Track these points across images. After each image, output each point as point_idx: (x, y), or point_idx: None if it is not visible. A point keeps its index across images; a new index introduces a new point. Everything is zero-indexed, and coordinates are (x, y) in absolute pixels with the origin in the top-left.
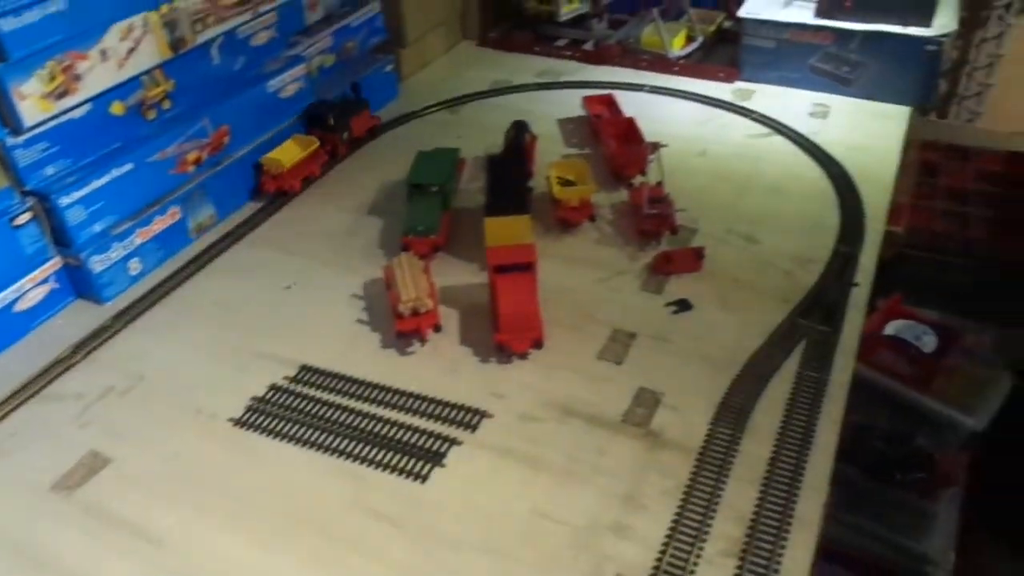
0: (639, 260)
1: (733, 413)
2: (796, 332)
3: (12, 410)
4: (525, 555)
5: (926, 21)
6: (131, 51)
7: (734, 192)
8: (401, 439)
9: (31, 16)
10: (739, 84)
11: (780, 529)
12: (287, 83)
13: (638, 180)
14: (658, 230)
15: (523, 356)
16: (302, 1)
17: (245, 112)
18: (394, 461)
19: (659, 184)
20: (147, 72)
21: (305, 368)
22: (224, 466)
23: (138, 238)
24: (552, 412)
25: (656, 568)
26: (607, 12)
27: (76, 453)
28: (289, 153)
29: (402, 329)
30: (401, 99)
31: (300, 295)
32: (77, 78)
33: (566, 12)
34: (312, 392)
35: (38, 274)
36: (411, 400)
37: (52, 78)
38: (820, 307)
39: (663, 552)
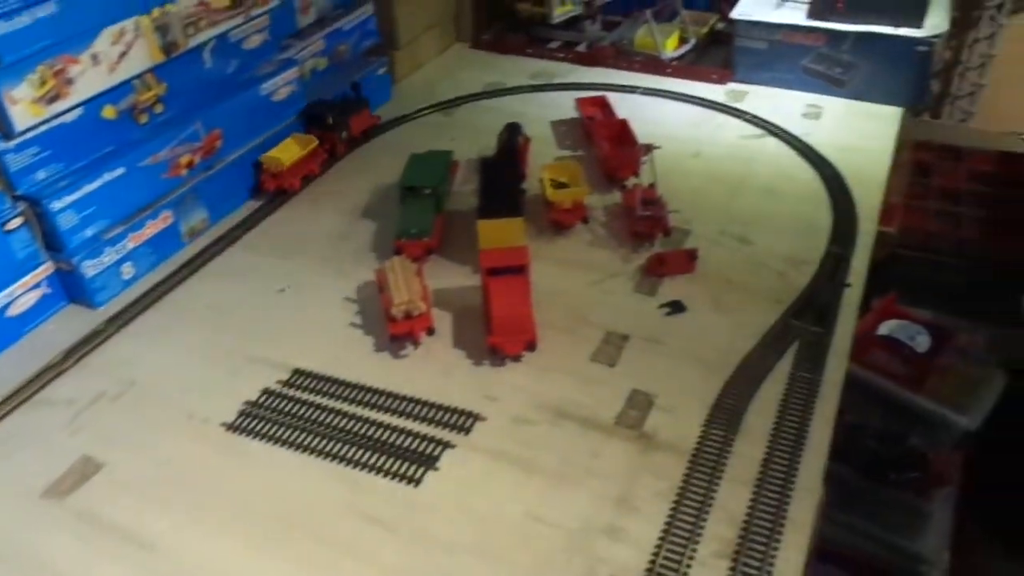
0: (632, 262)
1: (726, 414)
2: (789, 333)
3: (3, 416)
4: (518, 558)
5: (918, 22)
6: (123, 55)
7: (727, 193)
8: (394, 442)
9: (22, 20)
10: (732, 85)
11: (773, 530)
12: (280, 86)
13: (631, 182)
14: (651, 232)
15: (516, 358)
16: (294, 4)
17: (237, 116)
18: (387, 464)
19: (652, 186)
20: (139, 76)
21: (298, 372)
22: (217, 471)
23: (130, 242)
24: (545, 414)
25: (649, 570)
26: (600, 14)
27: (68, 459)
28: (289, 152)
29: (395, 332)
30: (394, 101)
31: (293, 299)
32: (69, 82)
33: (559, 14)
34: (305, 396)
35: (29, 279)
36: (404, 403)
37: (43, 82)
38: (813, 308)
39: (656, 554)
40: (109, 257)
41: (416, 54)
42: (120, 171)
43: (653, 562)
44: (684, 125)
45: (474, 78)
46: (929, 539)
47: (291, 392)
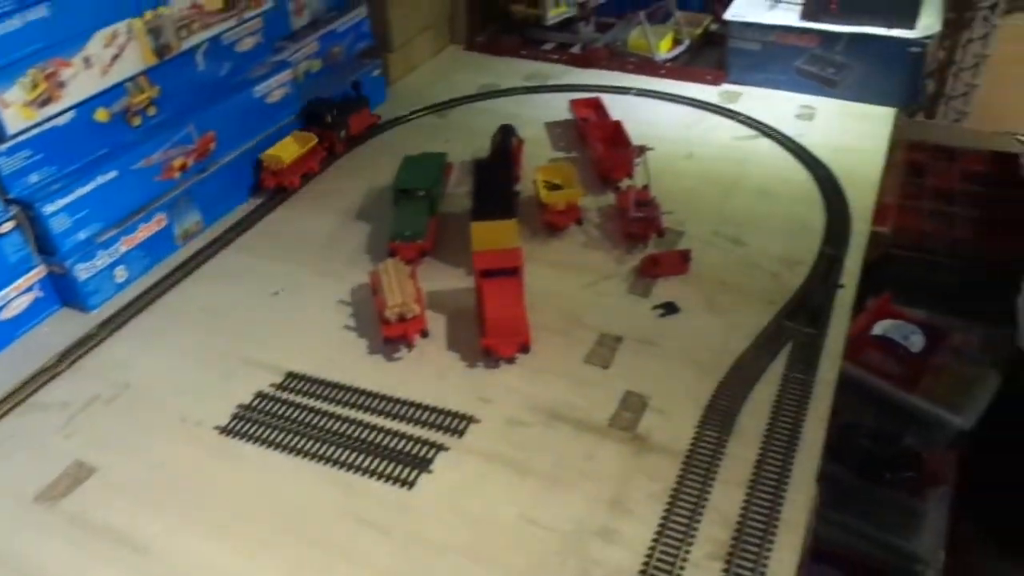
0: (626, 263)
1: (719, 416)
2: (782, 334)
3: None
4: (512, 560)
5: (910, 23)
6: (115, 58)
7: (721, 194)
8: (388, 445)
9: (13, 24)
10: (726, 86)
11: (766, 531)
12: (273, 88)
13: (625, 183)
14: (645, 233)
15: (510, 360)
16: (288, 7)
17: (231, 118)
18: (381, 467)
19: (645, 187)
20: (132, 79)
21: (292, 375)
22: (210, 474)
23: (123, 245)
24: (539, 417)
25: (643, 572)
26: (594, 16)
27: (61, 463)
28: (288, 150)
29: (389, 335)
30: (388, 103)
31: (287, 301)
32: (61, 85)
33: (553, 16)
34: (299, 399)
35: (22, 282)
36: (398, 406)
37: (35, 85)
38: (806, 309)
39: (649, 556)
40: (102, 260)
41: (410, 56)
42: (113, 174)
43: (647, 564)
44: (678, 126)
45: (468, 80)
46: (924, 538)
47: (285, 395)
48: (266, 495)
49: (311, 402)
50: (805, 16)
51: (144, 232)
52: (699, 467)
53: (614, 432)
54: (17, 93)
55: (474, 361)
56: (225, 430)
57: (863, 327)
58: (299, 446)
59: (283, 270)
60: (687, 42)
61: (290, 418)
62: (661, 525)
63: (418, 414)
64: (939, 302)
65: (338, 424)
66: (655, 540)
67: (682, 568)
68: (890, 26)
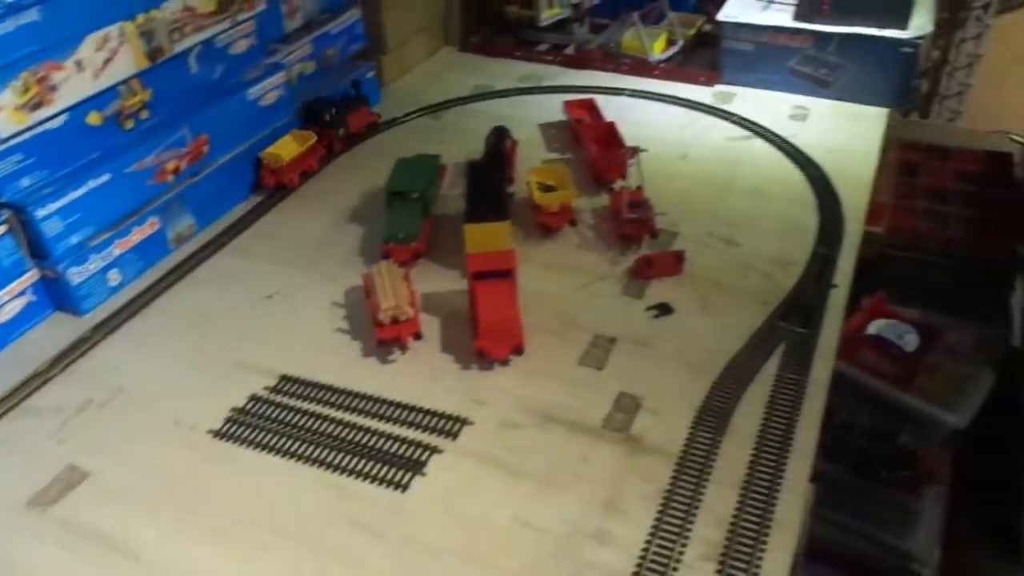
0: (620, 264)
1: (713, 416)
2: (775, 334)
3: None
4: (506, 563)
5: (902, 23)
6: (107, 61)
7: (714, 195)
8: (382, 448)
9: (4, 28)
10: (719, 87)
11: (760, 532)
12: (267, 91)
13: (619, 184)
14: (638, 234)
15: (504, 363)
16: (281, 9)
17: (224, 121)
18: (374, 470)
19: (639, 188)
20: (124, 82)
21: (285, 378)
22: (203, 478)
23: (117, 249)
24: (533, 418)
25: (636, 574)
26: (588, 17)
27: (54, 468)
28: (288, 148)
29: (382, 337)
30: (382, 105)
31: (281, 304)
32: (52, 89)
33: (547, 17)
34: (292, 402)
35: (15, 287)
36: (392, 409)
37: (26, 89)
38: (799, 309)
39: (643, 557)
40: (95, 264)
41: (404, 58)
42: (106, 177)
43: (640, 565)
44: (671, 127)
45: (462, 81)
46: (919, 537)
47: (278, 398)
48: (260, 499)
49: (305, 405)
50: (798, 17)
51: (137, 235)
52: (692, 468)
53: (608, 433)
54: (8, 97)
55: (468, 363)
56: (219, 434)
57: (858, 327)
58: (293, 449)
59: (277, 273)
60: (681, 43)
61: (284, 421)
62: (654, 526)
63: (412, 416)
64: (933, 301)
65: (332, 427)
66: (648, 541)
67: (675, 569)
68: (882, 26)
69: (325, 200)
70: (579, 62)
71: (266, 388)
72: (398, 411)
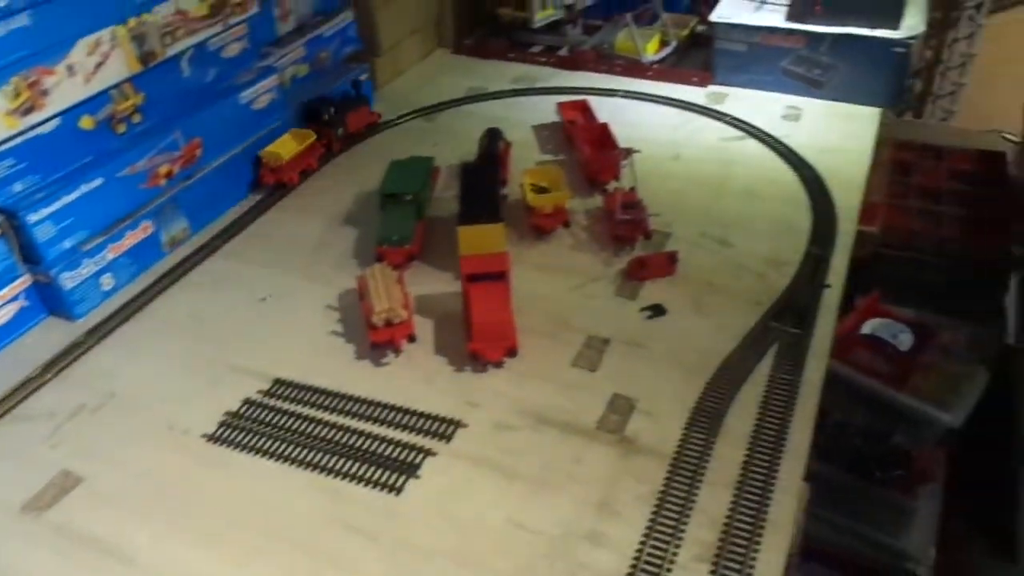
0: (613, 266)
1: (707, 417)
2: (768, 335)
3: None
4: (500, 565)
5: (894, 23)
6: (99, 65)
7: (708, 196)
8: (376, 451)
9: None
10: (712, 88)
11: (753, 532)
12: (260, 94)
13: (612, 186)
14: (632, 235)
15: (497, 365)
16: (273, 12)
17: (217, 124)
18: (368, 473)
19: (632, 189)
20: (116, 86)
21: (279, 381)
22: (197, 482)
23: (110, 253)
24: (527, 420)
25: (630, 575)
26: (581, 18)
27: (47, 473)
28: (287, 147)
29: (376, 340)
30: (376, 108)
31: (274, 307)
32: (44, 93)
33: (540, 18)
34: (286, 406)
35: (7, 292)
36: (386, 411)
37: (17, 94)
38: (792, 310)
39: (637, 558)
40: (88, 269)
41: (398, 60)
42: (98, 182)
43: (634, 566)
44: (665, 128)
45: (456, 83)
46: (914, 536)
47: (272, 402)
48: (254, 503)
49: (299, 408)
50: (790, 17)
51: (131, 240)
52: (686, 469)
53: (601, 435)
54: None
55: (462, 365)
56: (212, 438)
57: (852, 326)
58: (287, 453)
59: (270, 276)
60: (674, 44)
61: (277, 425)
62: (648, 527)
63: (406, 419)
64: (927, 300)
65: (326, 430)
66: (642, 542)
67: (669, 570)
68: (874, 27)
69: (320, 202)
70: (572, 63)
71: (260, 391)
72: (392, 414)
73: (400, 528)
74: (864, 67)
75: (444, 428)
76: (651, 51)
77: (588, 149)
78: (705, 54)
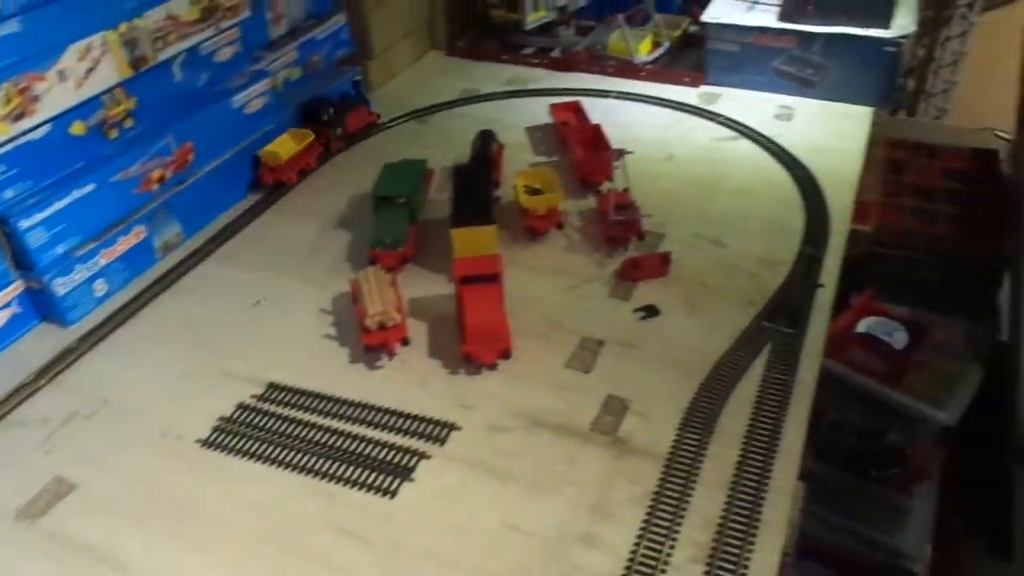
0: (607, 267)
1: (700, 418)
2: (762, 335)
3: None
4: (494, 568)
5: (885, 23)
6: (90, 71)
7: (701, 196)
8: (370, 455)
9: None
10: (705, 88)
11: (747, 532)
12: (252, 98)
13: (605, 187)
14: (625, 236)
15: (491, 367)
16: (265, 16)
17: (210, 128)
18: (362, 477)
19: (625, 190)
20: (108, 91)
21: (273, 386)
22: (191, 488)
23: (103, 259)
24: (521, 422)
25: None
26: (574, 19)
27: (41, 479)
28: (286, 146)
29: (370, 343)
30: None
31: (268, 311)
32: (35, 99)
33: (532, 20)
34: (280, 410)
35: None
36: (380, 415)
37: (8, 100)
38: (785, 310)
39: (631, 560)
40: (80, 274)
41: (390, 63)
42: (90, 187)
43: (628, 568)
44: (658, 128)
45: (449, 85)
46: (909, 534)
47: (266, 406)
48: (247, 507)
49: (292, 412)
50: (782, 17)
51: (123, 245)
52: (680, 469)
53: (595, 436)
54: None
55: (455, 368)
56: (206, 443)
57: (847, 325)
58: (281, 457)
59: (264, 280)
60: (666, 44)
61: (271, 429)
62: (643, 528)
63: (400, 422)
64: (921, 299)
65: (320, 434)
66: (636, 544)
67: (663, 571)
68: (866, 26)
69: (316, 203)
70: (565, 65)
71: (253, 396)
72: (385, 417)
73: (394, 531)
74: (856, 66)
75: (438, 431)
76: (643, 52)
77: (581, 150)
78: (697, 54)
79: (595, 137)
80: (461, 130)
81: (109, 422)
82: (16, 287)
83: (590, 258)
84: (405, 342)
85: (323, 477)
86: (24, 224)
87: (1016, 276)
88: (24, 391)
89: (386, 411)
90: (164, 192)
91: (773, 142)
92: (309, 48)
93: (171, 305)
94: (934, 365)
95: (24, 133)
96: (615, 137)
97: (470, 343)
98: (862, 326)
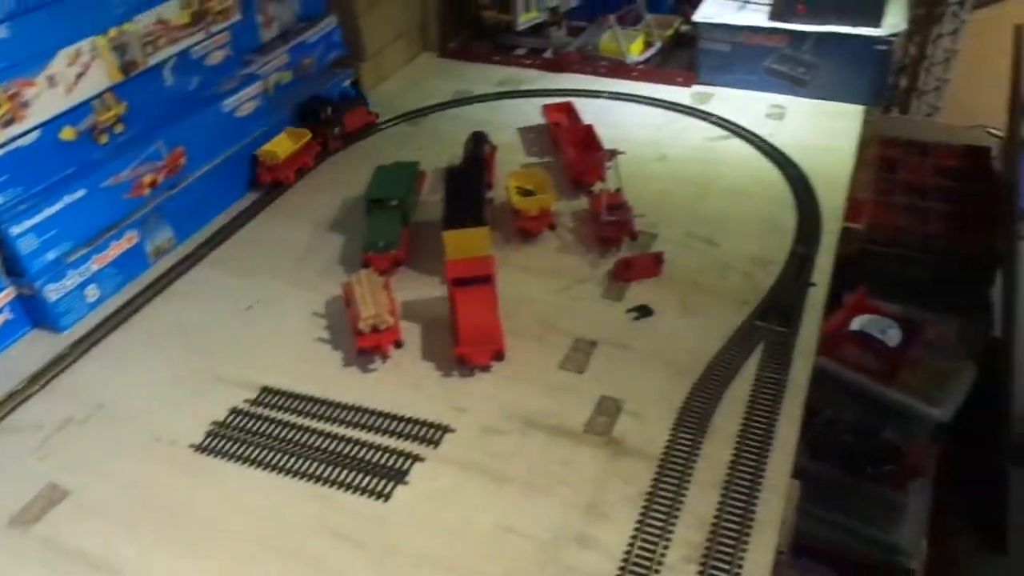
0: (600, 267)
1: (694, 417)
2: (755, 334)
3: None
4: (488, 570)
5: (875, 21)
6: (80, 76)
7: (693, 196)
8: (364, 458)
9: None
10: (697, 88)
11: (741, 532)
12: (243, 102)
13: (597, 187)
14: (618, 237)
15: (484, 369)
16: (256, 19)
17: (201, 132)
18: (357, 480)
19: (618, 191)
20: (98, 96)
21: (266, 390)
22: (185, 493)
23: (95, 264)
24: (514, 424)
25: None
26: (565, 20)
27: (35, 486)
28: (283, 145)
29: (363, 346)
30: None
31: (261, 315)
32: (24, 105)
33: (524, 21)
34: (273, 414)
35: None
36: (373, 418)
37: None
38: (778, 309)
39: (625, 560)
40: (72, 280)
41: (382, 65)
42: (81, 193)
43: (623, 569)
44: (650, 128)
45: (441, 87)
46: (905, 531)
47: (259, 411)
48: (242, 512)
49: (286, 416)
50: (773, 16)
51: (115, 250)
52: (674, 469)
53: (589, 437)
54: None
55: (449, 370)
56: (200, 448)
57: (841, 323)
58: (274, 461)
59: (256, 284)
60: (658, 44)
61: (265, 433)
62: (637, 529)
63: (393, 425)
64: (913, 296)
65: (313, 438)
66: (631, 544)
67: (657, 571)
68: (856, 25)
69: (311, 205)
70: (557, 65)
71: (247, 400)
72: (379, 420)
73: (389, 534)
74: (847, 65)
75: (432, 433)
76: (635, 52)
77: (573, 151)
78: (689, 54)
79: (587, 138)
80: (453, 132)
81: (102, 428)
82: (8, 293)
83: (583, 259)
84: (398, 345)
85: (317, 481)
86: (15, 230)
87: (1008, 273)
88: (17, 397)
89: (380, 414)
90: (156, 197)
91: (765, 141)
92: (300, 51)
93: (163, 310)
94: (927, 362)
95: (14, 139)
96: (607, 137)
97: (463, 345)
98: (855, 324)
